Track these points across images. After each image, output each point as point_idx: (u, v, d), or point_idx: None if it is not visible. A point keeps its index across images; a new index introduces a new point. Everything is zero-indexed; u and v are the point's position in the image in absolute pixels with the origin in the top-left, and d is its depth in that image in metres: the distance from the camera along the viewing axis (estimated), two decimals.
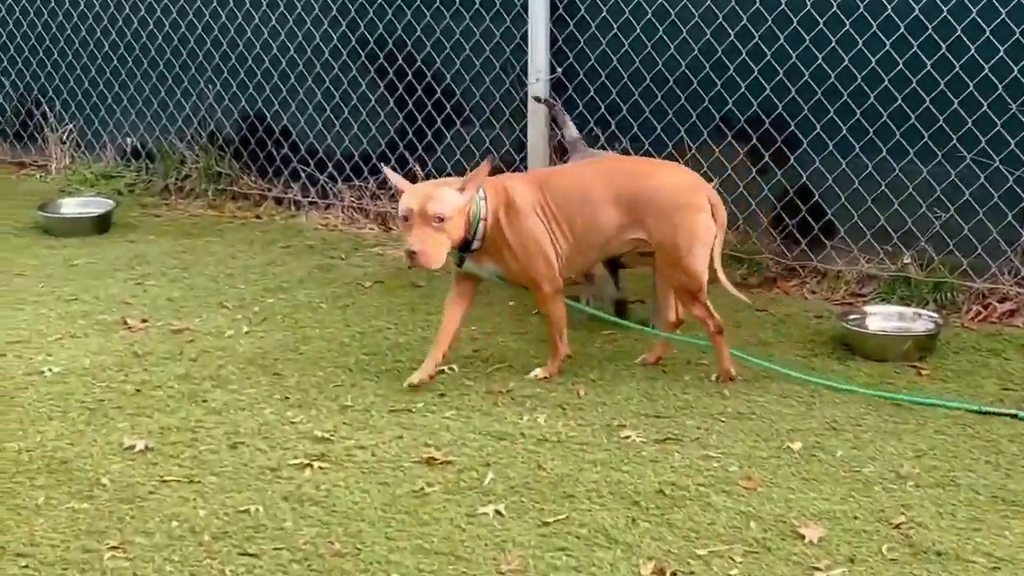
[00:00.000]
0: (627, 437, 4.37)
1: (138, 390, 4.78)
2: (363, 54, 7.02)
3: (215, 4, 7.38)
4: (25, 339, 5.31)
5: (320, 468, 4.15)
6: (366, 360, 5.07)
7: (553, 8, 6.37)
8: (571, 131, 5.65)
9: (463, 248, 4.57)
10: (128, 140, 7.81)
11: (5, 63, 8.17)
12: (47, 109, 8.05)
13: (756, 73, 5.94)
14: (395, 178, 4.58)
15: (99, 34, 7.81)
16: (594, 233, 4.63)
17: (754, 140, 6.01)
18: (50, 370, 4.96)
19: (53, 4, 7.94)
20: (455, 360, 4.94)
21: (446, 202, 4.39)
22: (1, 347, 5.21)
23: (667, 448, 4.28)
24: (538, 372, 4.83)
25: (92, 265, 6.31)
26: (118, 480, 4.06)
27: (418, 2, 6.79)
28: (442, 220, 4.37)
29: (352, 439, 4.37)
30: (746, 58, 5.96)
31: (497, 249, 4.59)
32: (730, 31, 5.98)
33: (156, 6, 7.58)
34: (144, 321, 5.54)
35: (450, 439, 4.37)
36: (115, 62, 7.78)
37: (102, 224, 6.88)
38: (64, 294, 5.87)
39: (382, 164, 5.14)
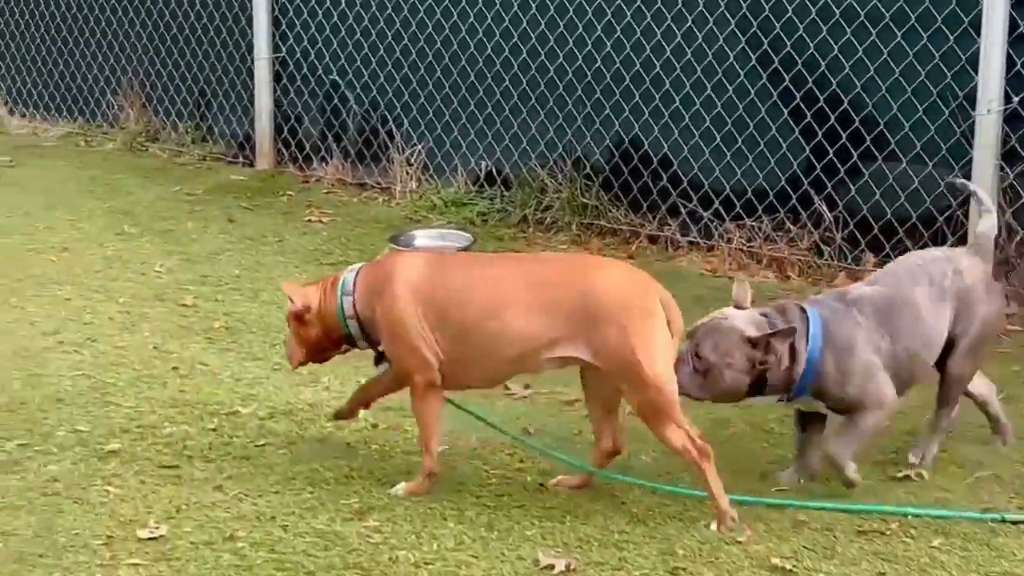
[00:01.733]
0: None
1: (540, 484, 3.98)
2: (764, 74, 6.09)
3: (590, 16, 6.57)
4: (396, 405, 4.58)
5: None
6: None
7: (1012, 25, 5.32)
8: (985, 223, 4.24)
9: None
10: (482, 164, 7.07)
11: (351, 75, 7.54)
12: (393, 128, 7.38)
13: None
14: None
15: (455, 47, 7.09)
16: (499, 345, 3.74)
17: None
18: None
19: (406, 13, 7.26)
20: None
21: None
22: (373, 414, 4.48)
23: None
24: (401, 488, 3.91)
25: None
26: None
27: (837, 15, 5.82)
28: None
29: (821, 571, 3.49)
30: None
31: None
32: None
33: (522, 17, 6.81)
34: (526, 387, 4.75)
35: None
36: (472, 78, 7.05)
37: None
38: None
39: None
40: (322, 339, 4.00)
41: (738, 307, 3.89)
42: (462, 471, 4.06)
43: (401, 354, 3.84)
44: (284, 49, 7.74)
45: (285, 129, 7.81)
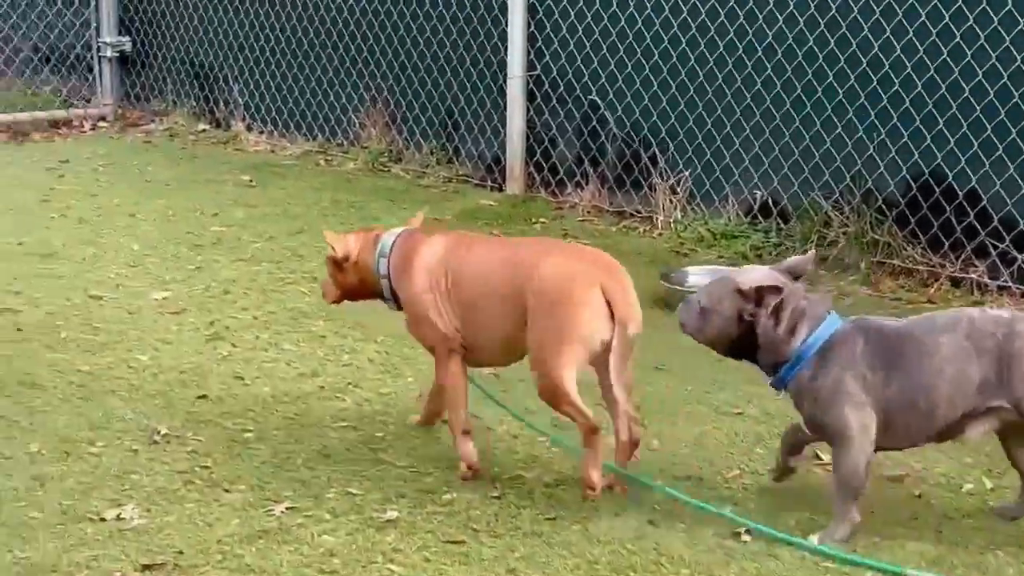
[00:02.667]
0: None
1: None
2: None
3: (888, 33, 5.94)
4: (695, 474, 4.06)
5: None
6: None
7: None
8: None
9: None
10: (756, 194, 6.49)
11: (611, 96, 7.04)
12: (657, 153, 6.85)
13: None
14: None
15: (730, 65, 6.53)
16: (490, 330, 3.98)
17: None
18: (747, 534, 3.67)
19: (676, 29, 6.71)
20: None
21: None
22: (674, 484, 3.96)
23: None
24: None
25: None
26: None
27: None
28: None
29: None
30: None
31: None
32: None
33: (808, 34, 6.21)
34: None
35: None
36: (748, 100, 6.48)
37: None
38: (731, 404, 4.60)
39: None
40: (356, 286, 4.29)
41: (786, 271, 3.77)
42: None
43: (421, 331, 4.09)
44: (539, 67, 7.29)
45: (538, 151, 7.35)
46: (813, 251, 3.94)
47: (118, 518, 3.68)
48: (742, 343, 3.75)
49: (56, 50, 9.76)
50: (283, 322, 5.38)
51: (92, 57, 9.61)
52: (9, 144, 8.84)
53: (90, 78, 9.62)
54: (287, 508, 3.77)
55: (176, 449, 4.14)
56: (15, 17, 9.80)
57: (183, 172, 8.03)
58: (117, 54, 9.59)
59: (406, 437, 4.30)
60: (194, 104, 9.20)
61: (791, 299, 3.67)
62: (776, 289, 3.67)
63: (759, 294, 3.67)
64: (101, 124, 9.39)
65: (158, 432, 4.23)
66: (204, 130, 9.07)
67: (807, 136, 6.28)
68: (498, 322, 3.93)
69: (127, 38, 9.59)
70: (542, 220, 7.00)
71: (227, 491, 3.88)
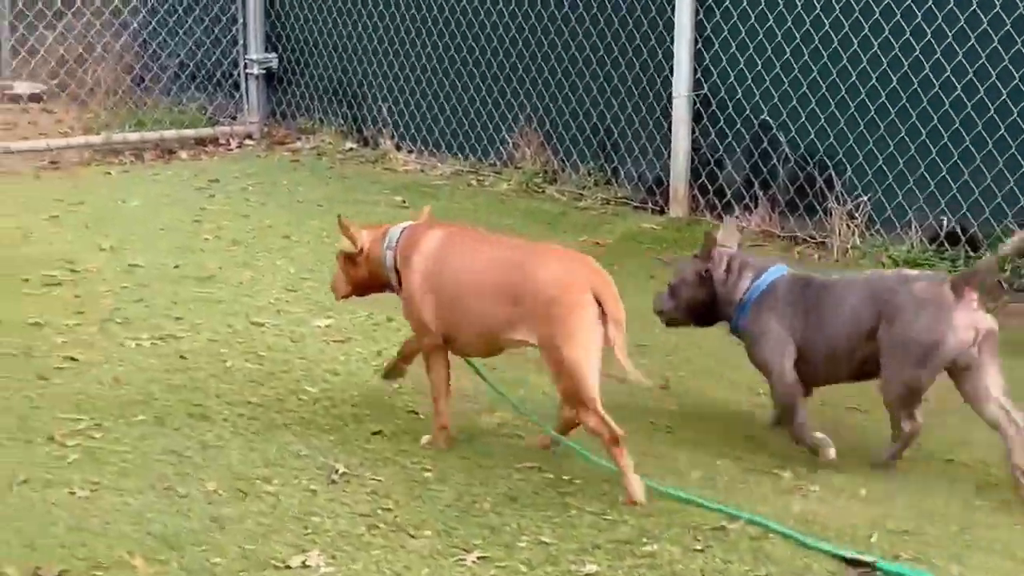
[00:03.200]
0: None
1: None
2: None
3: None
4: (912, 528, 3.74)
5: None
6: None
7: None
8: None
9: None
10: (943, 220, 6.16)
11: (784, 116, 6.72)
12: (833, 175, 6.54)
13: None
14: None
15: (916, 84, 6.20)
16: (472, 325, 4.13)
17: None
18: None
19: (856, 47, 6.40)
20: None
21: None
22: (886, 539, 3.65)
23: None
24: (424, 439, 4.27)
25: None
26: None
27: None
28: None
29: None
30: None
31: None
32: None
33: (1003, 53, 5.88)
34: None
35: None
36: (935, 120, 6.15)
37: None
38: (944, 450, 4.27)
39: None
40: (367, 280, 4.39)
41: (722, 246, 4.37)
42: None
43: (410, 320, 4.27)
44: (706, 86, 7.01)
45: (703, 173, 7.07)
46: (734, 217, 4.72)
47: (303, 565, 3.46)
48: (708, 303, 4.36)
49: (202, 67, 9.67)
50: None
51: (239, 74, 9.52)
52: (157, 162, 8.77)
53: (236, 95, 9.53)
54: (478, 557, 3.53)
55: (356, 489, 3.92)
56: (163, 35, 9.75)
57: (334, 192, 7.87)
58: (264, 71, 9.48)
59: (593, 480, 4.04)
60: (341, 122, 9.05)
61: (737, 256, 4.32)
62: (712, 238, 4.34)
63: (705, 247, 4.32)
64: (247, 142, 9.29)
65: (336, 471, 4.02)
66: (352, 149, 8.91)
67: (1000, 160, 5.94)
68: (487, 317, 4.04)
69: (274, 55, 9.48)
70: None
71: (413, 536, 3.65)
